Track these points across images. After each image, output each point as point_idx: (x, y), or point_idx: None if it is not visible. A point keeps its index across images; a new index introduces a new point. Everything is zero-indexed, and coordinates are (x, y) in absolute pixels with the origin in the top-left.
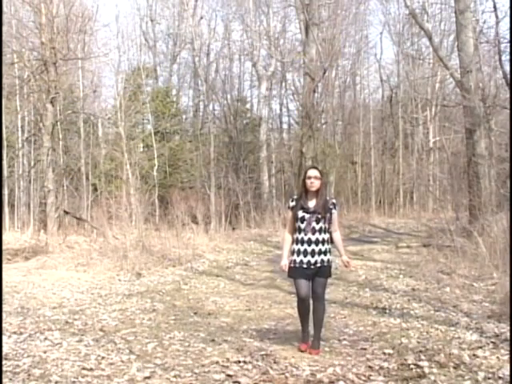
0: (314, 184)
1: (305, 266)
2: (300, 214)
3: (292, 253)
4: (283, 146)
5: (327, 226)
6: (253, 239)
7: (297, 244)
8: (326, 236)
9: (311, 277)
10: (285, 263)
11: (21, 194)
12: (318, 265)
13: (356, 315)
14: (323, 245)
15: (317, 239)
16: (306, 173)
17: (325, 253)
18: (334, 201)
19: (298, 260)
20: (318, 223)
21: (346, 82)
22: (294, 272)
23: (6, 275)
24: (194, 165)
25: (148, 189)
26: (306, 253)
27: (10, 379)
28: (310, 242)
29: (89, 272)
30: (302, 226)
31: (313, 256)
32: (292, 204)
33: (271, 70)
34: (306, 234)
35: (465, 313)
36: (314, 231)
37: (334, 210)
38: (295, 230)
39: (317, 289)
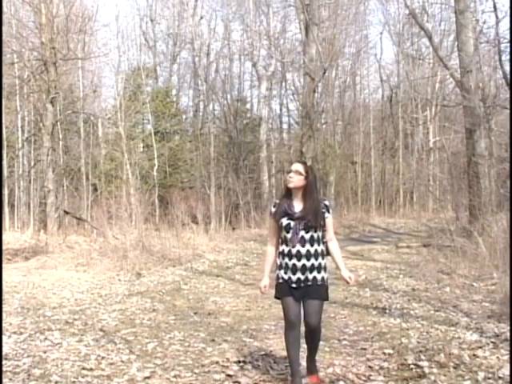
0: (292, 179)
1: (294, 285)
2: (284, 221)
3: (278, 267)
4: (283, 146)
5: (320, 234)
6: (253, 239)
7: (283, 258)
8: (320, 248)
9: (301, 298)
10: (265, 284)
11: (21, 193)
12: (309, 283)
13: (356, 315)
14: (316, 259)
15: (308, 252)
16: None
17: (318, 269)
18: (326, 202)
19: (285, 277)
20: (307, 232)
21: (346, 82)
22: (280, 289)
23: (6, 275)
24: (194, 165)
25: (148, 189)
26: (294, 269)
27: (10, 379)
28: (299, 256)
29: (89, 272)
30: (288, 235)
31: (303, 273)
32: (273, 210)
33: (271, 70)
34: (293, 246)
35: (465, 313)
36: (303, 242)
37: (327, 214)
38: (281, 241)
39: (310, 317)
